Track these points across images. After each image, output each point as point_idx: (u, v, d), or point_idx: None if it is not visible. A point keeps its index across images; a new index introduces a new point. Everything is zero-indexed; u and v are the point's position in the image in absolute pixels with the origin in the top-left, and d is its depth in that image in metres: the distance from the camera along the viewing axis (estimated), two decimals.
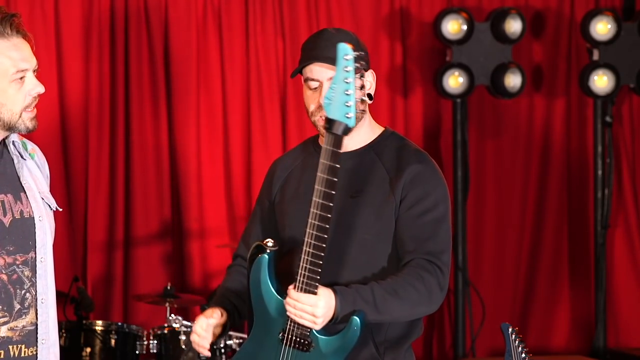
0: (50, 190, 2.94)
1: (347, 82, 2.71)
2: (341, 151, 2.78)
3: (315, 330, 2.84)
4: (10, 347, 2.75)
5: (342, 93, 2.72)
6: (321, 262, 2.79)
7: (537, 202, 6.54)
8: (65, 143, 5.87)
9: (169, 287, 5.26)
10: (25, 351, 2.77)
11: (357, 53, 2.73)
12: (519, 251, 6.53)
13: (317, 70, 2.94)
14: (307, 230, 2.79)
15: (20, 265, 2.76)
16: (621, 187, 6.59)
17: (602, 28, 6.26)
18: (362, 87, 2.81)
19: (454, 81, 6.18)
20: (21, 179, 2.82)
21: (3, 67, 2.71)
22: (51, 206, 2.88)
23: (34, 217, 2.80)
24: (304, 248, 2.80)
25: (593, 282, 6.48)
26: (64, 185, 5.83)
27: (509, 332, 3.10)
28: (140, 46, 5.95)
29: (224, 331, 3.05)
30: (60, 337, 4.73)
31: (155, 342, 5.17)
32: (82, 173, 5.89)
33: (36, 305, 2.79)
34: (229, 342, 5.13)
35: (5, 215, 2.76)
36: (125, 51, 5.94)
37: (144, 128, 5.96)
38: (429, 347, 6.42)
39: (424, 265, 2.89)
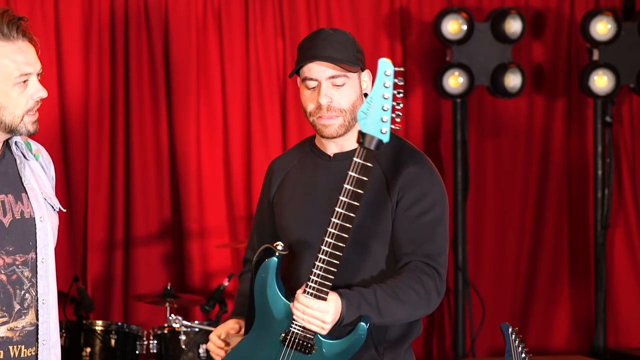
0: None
1: (385, 98, 2.71)
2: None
3: (320, 334, 2.85)
4: (10, 347, 2.75)
5: (379, 108, 2.72)
6: (336, 270, 2.79)
7: (537, 202, 6.54)
8: (65, 143, 5.87)
9: (169, 287, 5.26)
10: (25, 352, 2.77)
11: (397, 69, 2.72)
12: (519, 251, 6.53)
13: (316, 69, 2.94)
14: (325, 238, 2.79)
15: (20, 266, 2.76)
16: (621, 187, 6.59)
17: (602, 28, 6.26)
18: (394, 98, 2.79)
19: (454, 81, 6.18)
20: (23, 180, 2.82)
21: (7, 70, 2.71)
22: (54, 207, 2.88)
23: (34, 218, 2.80)
24: (319, 255, 2.79)
25: (593, 282, 6.48)
26: (64, 185, 5.83)
27: (509, 332, 3.10)
28: (140, 46, 5.95)
29: None
30: (60, 337, 4.73)
31: (155, 342, 5.17)
32: (82, 173, 5.90)
33: (36, 306, 2.79)
34: None
35: (5, 215, 2.76)
36: (125, 51, 5.94)
37: (144, 128, 5.96)
38: (429, 347, 6.42)
39: (422, 269, 2.90)
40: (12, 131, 2.77)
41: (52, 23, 5.82)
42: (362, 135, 2.75)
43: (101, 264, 5.91)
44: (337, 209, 2.78)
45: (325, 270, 2.79)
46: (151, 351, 5.18)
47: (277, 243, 2.90)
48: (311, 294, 2.80)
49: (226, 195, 6.08)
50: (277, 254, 2.89)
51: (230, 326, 3.07)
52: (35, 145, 2.94)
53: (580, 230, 6.58)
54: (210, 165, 6.05)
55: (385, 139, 2.74)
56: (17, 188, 2.81)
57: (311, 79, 2.95)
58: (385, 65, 2.72)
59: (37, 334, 2.79)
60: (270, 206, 3.14)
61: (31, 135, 2.83)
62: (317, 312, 2.80)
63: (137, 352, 5.16)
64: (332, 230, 2.78)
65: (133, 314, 5.94)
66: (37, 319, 2.79)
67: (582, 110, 6.56)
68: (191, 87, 5.99)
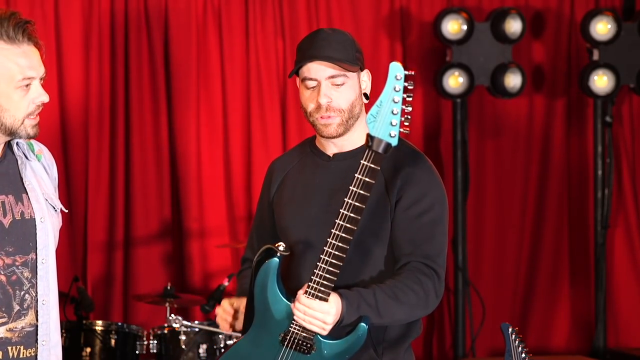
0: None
1: (395, 102, 2.72)
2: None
3: (320, 335, 2.85)
4: (9, 347, 2.75)
5: (388, 112, 2.73)
6: (338, 272, 2.79)
7: (537, 202, 6.54)
8: (65, 143, 5.87)
9: (169, 287, 5.26)
10: (24, 352, 2.77)
11: (408, 72, 2.73)
12: (519, 251, 6.53)
13: (315, 69, 2.94)
14: (329, 239, 2.79)
15: (19, 267, 2.76)
16: (621, 187, 6.59)
17: (602, 28, 6.26)
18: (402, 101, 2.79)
19: (454, 81, 6.18)
20: (24, 180, 2.82)
21: (10, 73, 2.71)
22: (55, 207, 2.87)
23: (35, 219, 2.80)
24: (322, 256, 2.79)
25: (593, 282, 6.48)
26: (64, 185, 5.83)
27: (509, 332, 3.10)
28: (140, 46, 5.95)
29: None
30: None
31: (155, 342, 5.17)
32: (82, 173, 5.90)
33: (36, 307, 2.79)
34: (229, 342, 5.13)
35: (5, 216, 2.76)
36: (125, 51, 5.94)
37: (144, 128, 5.96)
38: (429, 347, 6.42)
39: (421, 269, 2.90)
40: (12, 134, 2.76)
41: (52, 23, 5.82)
42: (370, 138, 2.75)
43: (101, 264, 5.91)
44: (342, 210, 2.77)
45: (328, 272, 2.78)
46: (151, 351, 5.18)
47: (279, 244, 2.90)
48: (312, 295, 2.80)
49: (226, 195, 6.08)
50: (278, 254, 2.88)
51: (244, 304, 3.05)
52: (38, 146, 2.93)
53: (580, 230, 6.58)
54: (210, 165, 6.05)
55: (394, 142, 2.75)
56: (18, 189, 2.80)
57: (311, 79, 2.95)
58: (397, 69, 2.72)
59: (37, 334, 2.79)
60: (270, 206, 3.14)
61: (31, 139, 2.82)
62: (318, 312, 2.80)
63: (137, 352, 5.15)
64: (337, 232, 2.78)
65: (133, 314, 5.94)
66: (37, 320, 2.79)
67: (582, 110, 6.56)
68: (191, 87, 5.99)
